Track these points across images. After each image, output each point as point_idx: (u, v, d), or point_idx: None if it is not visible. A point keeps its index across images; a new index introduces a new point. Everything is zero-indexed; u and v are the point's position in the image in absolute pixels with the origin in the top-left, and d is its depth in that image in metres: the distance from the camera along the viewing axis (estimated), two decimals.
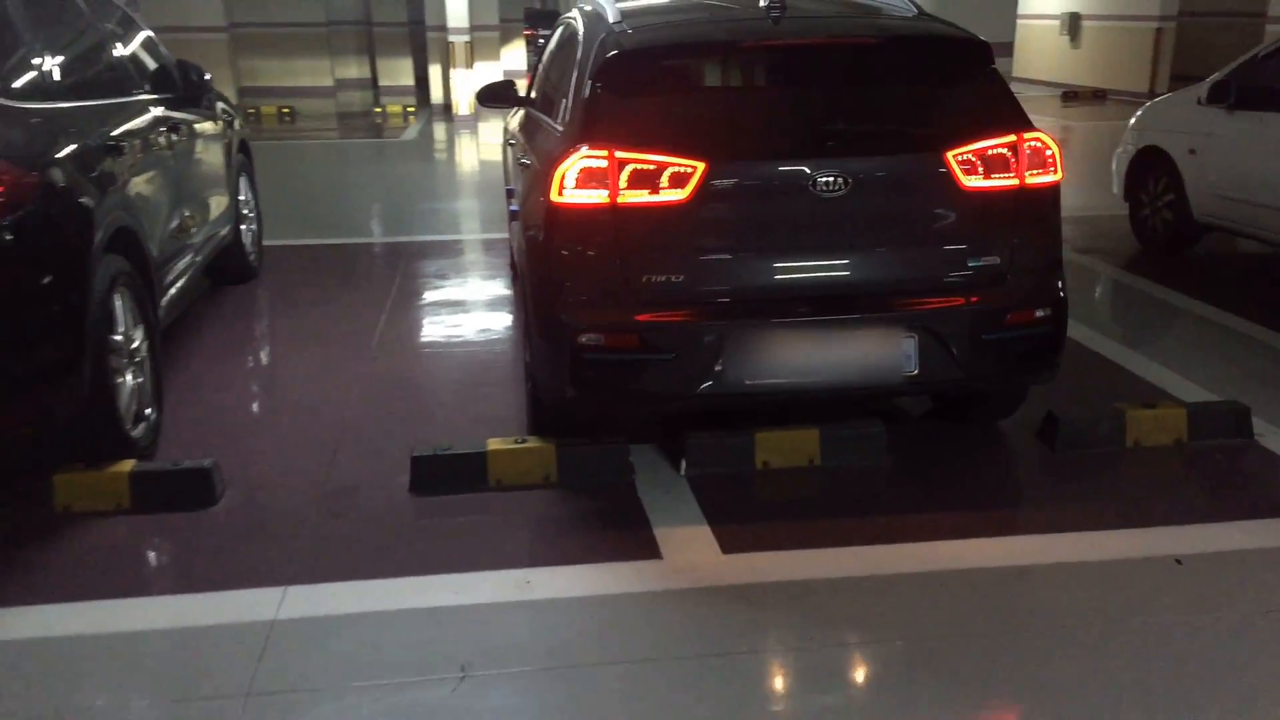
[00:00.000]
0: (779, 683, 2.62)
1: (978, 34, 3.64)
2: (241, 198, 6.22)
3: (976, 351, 3.38)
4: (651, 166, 3.18)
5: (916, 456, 3.87)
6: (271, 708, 2.47)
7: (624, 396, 3.37)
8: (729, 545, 3.22)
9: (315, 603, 2.92)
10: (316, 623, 2.82)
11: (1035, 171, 3.39)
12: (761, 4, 3.60)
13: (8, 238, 2.99)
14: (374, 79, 19.74)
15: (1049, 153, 3.41)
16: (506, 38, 18.67)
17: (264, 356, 5.31)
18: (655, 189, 3.19)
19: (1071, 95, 16.97)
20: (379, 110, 17.06)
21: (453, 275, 6.58)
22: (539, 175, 3.49)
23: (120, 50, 4.64)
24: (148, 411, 3.85)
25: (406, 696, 2.51)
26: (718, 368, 3.26)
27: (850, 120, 3.43)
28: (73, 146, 3.51)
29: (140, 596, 3.00)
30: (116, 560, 3.19)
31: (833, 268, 3.30)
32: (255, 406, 4.60)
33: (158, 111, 4.66)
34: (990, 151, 3.32)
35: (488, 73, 16.20)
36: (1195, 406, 3.95)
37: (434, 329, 5.49)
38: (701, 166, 3.17)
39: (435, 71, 17.13)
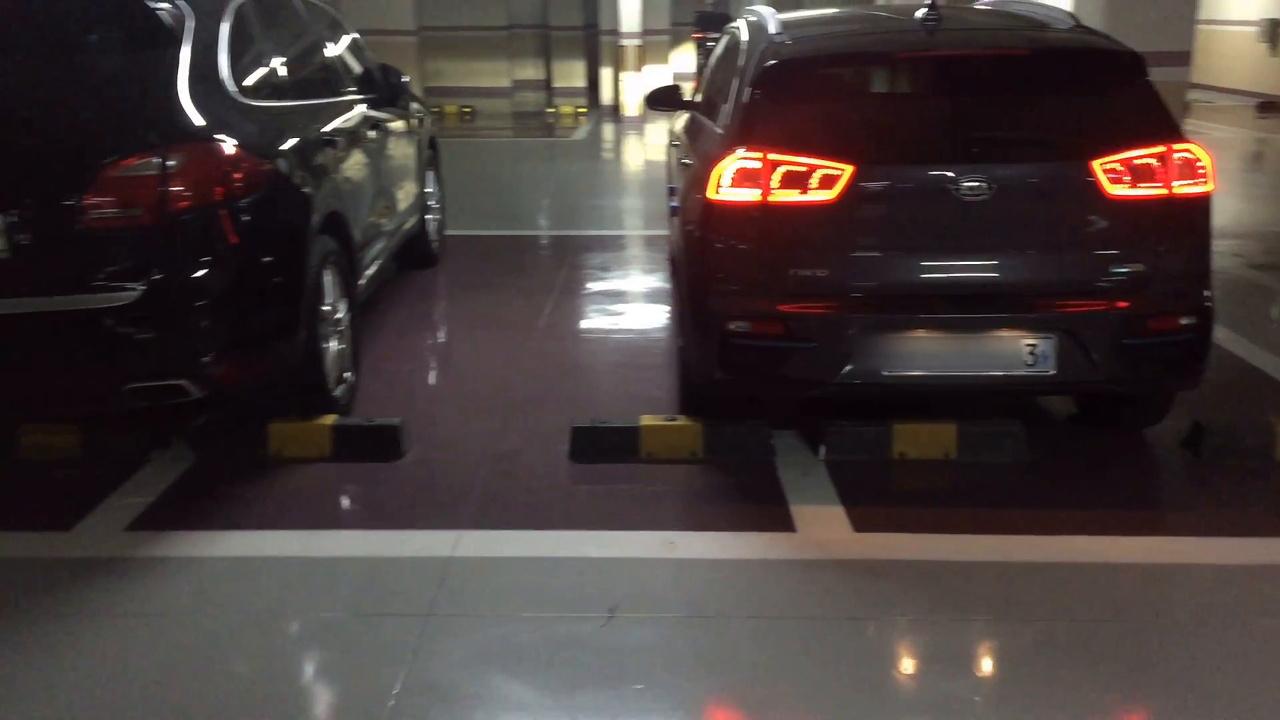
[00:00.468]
0: (901, 649, 2.83)
1: (1150, 42, 3.70)
2: (428, 190, 6.78)
3: (1116, 355, 3.48)
4: (803, 168, 3.43)
5: (1057, 458, 3.96)
6: (447, 627, 2.86)
7: (768, 380, 3.64)
8: (861, 525, 3.44)
9: (484, 546, 3.31)
10: (485, 562, 3.21)
11: (1185, 182, 3.46)
12: (918, 15, 3.80)
13: (245, 218, 3.51)
14: (548, 81, 20.52)
15: (1200, 164, 3.47)
16: (676, 41, 19.10)
17: (443, 334, 5.82)
18: (805, 189, 3.44)
19: (1269, 106, 16.06)
20: (551, 111, 17.77)
21: (615, 268, 6.96)
22: (698, 174, 3.80)
23: (331, 53, 5.21)
24: (347, 375, 4.36)
25: (561, 628, 2.86)
26: (857, 358, 3.48)
27: (996, 128, 3.58)
28: (296, 140, 4.04)
29: (336, 530, 3.47)
30: (317, 499, 3.69)
31: (973, 268, 3.47)
32: (435, 377, 5.09)
33: (363, 110, 5.21)
34: (1137, 161, 3.41)
35: (657, 76, 16.63)
36: None
37: (596, 315, 5.87)
38: (850, 169, 3.40)
39: (606, 74, 17.72)
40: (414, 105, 6.47)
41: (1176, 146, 3.45)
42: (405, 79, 5.89)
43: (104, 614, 2.94)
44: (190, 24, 3.61)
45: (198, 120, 3.43)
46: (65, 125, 3.36)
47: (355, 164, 4.81)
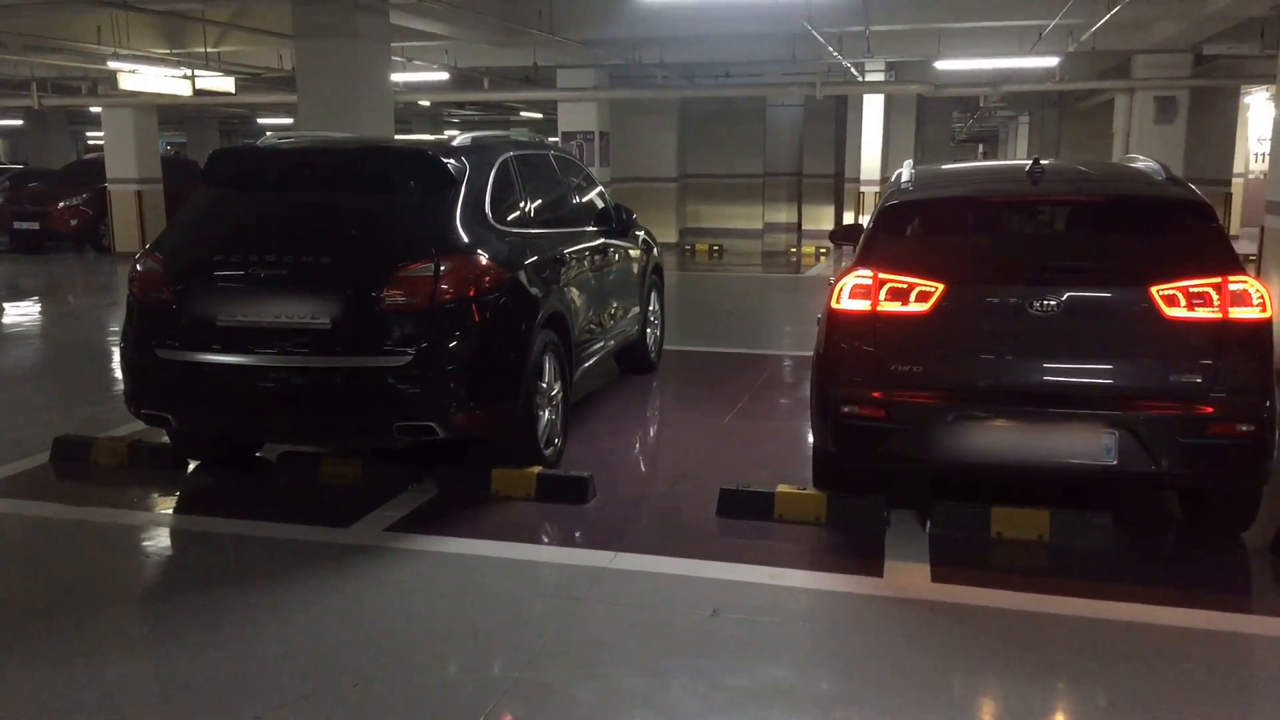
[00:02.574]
0: (924, 654, 3.55)
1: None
2: (651, 308, 8.06)
3: (1174, 452, 4.05)
4: (904, 285, 4.33)
5: (1145, 550, 4.48)
6: (590, 608, 3.88)
7: (870, 455, 4.46)
8: (940, 577, 4.16)
9: (632, 563, 4.31)
10: (630, 574, 4.21)
11: (1240, 308, 4.04)
12: (1026, 169, 4.63)
13: (488, 310, 4.83)
14: (799, 223, 21.94)
15: (1254, 294, 4.05)
16: None
17: (645, 421, 6.96)
18: (905, 301, 4.32)
19: None
20: (793, 250, 19.06)
21: (804, 379, 7.88)
22: (830, 290, 4.76)
23: (577, 197, 6.64)
24: (556, 440, 5.57)
25: (675, 617, 3.80)
26: (943, 441, 4.25)
27: (1068, 258, 4.32)
28: (532, 257, 5.38)
29: (528, 543, 4.59)
30: (520, 523, 4.84)
31: (1044, 371, 4.18)
32: (630, 449, 6.21)
33: (594, 239, 6.56)
34: (1193, 289, 4.05)
35: None
36: None
37: (771, 412, 6.82)
38: (941, 287, 4.26)
39: (849, 218, 18.86)
40: (642, 236, 7.82)
41: (1232, 278, 4.06)
42: (634, 216, 7.26)
43: (360, 579, 4.19)
44: (466, 174, 5.07)
45: (463, 240, 4.83)
46: (378, 240, 4.83)
47: (580, 278, 6.12)
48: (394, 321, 4.64)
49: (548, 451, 5.43)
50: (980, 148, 47.58)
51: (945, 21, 11.81)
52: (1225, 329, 4.06)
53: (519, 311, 5.11)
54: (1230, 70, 14.31)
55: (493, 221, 5.15)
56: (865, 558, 4.36)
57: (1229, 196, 15.20)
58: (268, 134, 5.57)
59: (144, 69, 13.66)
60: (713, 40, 13.65)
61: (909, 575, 4.18)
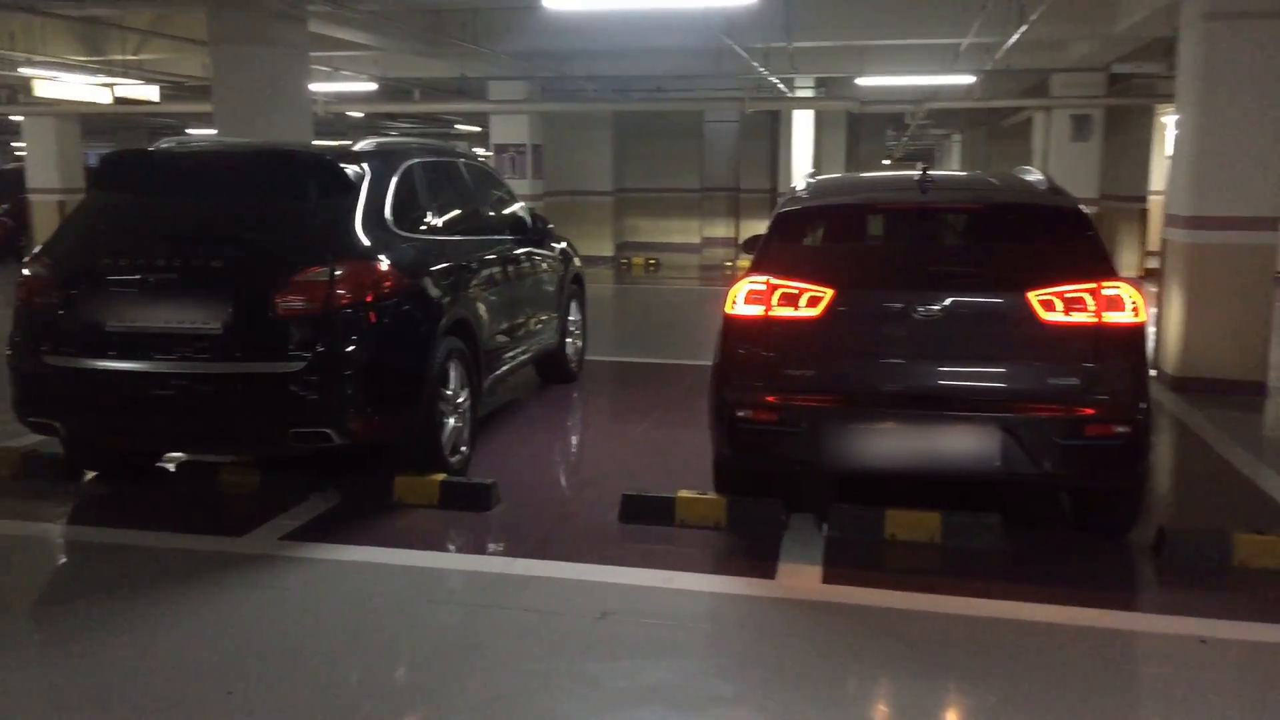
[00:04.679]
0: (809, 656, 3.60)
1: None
2: (572, 318, 8.06)
3: (1054, 453, 4.15)
4: (795, 290, 4.39)
5: (1034, 550, 4.57)
6: (483, 613, 3.87)
7: (765, 458, 4.52)
8: (831, 578, 4.21)
9: (527, 568, 4.30)
10: (524, 579, 4.20)
11: (1113, 312, 4.17)
12: (915, 177, 4.74)
13: (386, 315, 4.80)
14: (736, 237, 22.09)
15: (1128, 299, 4.18)
16: None
17: (559, 430, 6.95)
18: (797, 306, 4.39)
19: None
20: (728, 264, 19.21)
21: None
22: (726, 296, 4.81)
23: (490, 206, 6.62)
24: (463, 448, 5.54)
25: (563, 621, 3.80)
26: (832, 443, 4.32)
27: (950, 264, 4.43)
28: (438, 265, 5.36)
29: (430, 551, 4.55)
30: (423, 532, 4.79)
31: (929, 375, 4.27)
32: (541, 457, 6.18)
33: (508, 249, 6.54)
34: (1068, 294, 4.17)
35: None
36: None
37: (691, 421, 6.85)
38: (831, 292, 4.34)
39: None
40: (560, 247, 7.82)
41: (1105, 284, 4.19)
42: (550, 225, 7.27)
43: (249, 587, 4.13)
44: (366, 179, 5.04)
45: (361, 244, 4.80)
46: (272, 244, 4.78)
47: (490, 286, 6.10)
48: (287, 327, 4.59)
49: (454, 459, 5.40)
50: (921, 165, 48.32)
51: (866, 39, 12.03)
52: (1100, 333, 4.18)
53: (420, 318, 5.09)
54: (1143, 89, 14.75)
55: (394, 227, 5.12)
56: (759, 560, 4.40)
57: (1144, 213, 15.64)
58: (162, 140, 5.49)
59: (63, 76, 13.39)
60: (639, 54, 13.75)
61: (801, 577, 4.23)
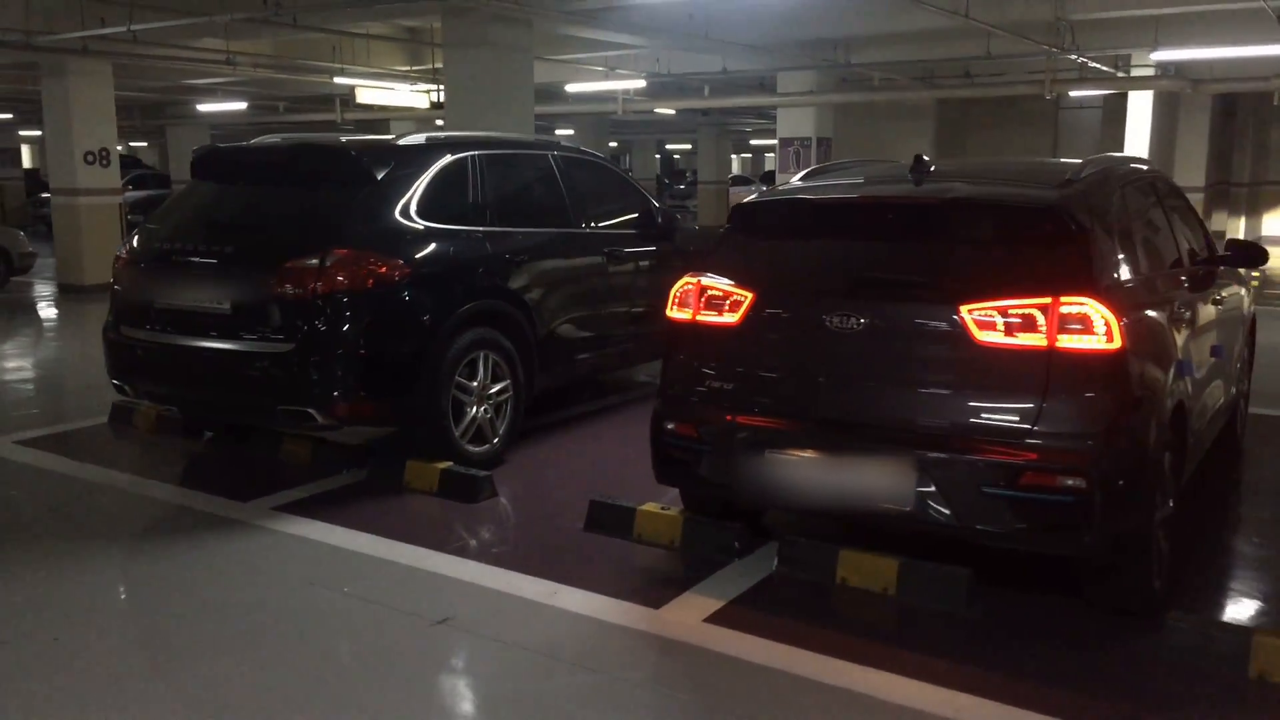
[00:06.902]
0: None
1: None
2: None
3: (972, 503, 3.35)
4: (720, 293, 3.92)
5: (1001, 622, 3.72)
6: (361, 595, 3.91)
7: (684, 477, 4.08)
8: (721, 619, 3.71)
9: (436, 564, 4.23)
10: (410, 570, 4.16)
11: (1072, 335, 3.27)
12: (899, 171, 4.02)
13: (380, 307, 4.97)
14: None
15: (1098, 319, 3.25)
16: None
17: (626, 434, 6.67)
18: (720, 311, 3.91)
19: None
20: None
21: None
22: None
23: (586, 204, 6.47)
24: (495, 439, 5.57)
25: (397, 620, 3.72)
26: (744, 469, 3.80)
27: (881, 271, 3.68)
28: (467, 255, 5.41)
29: (375, 536, 4.59)
30: (395, 517, 4.86)
31: (842, 398, 3.60)
32: (580, 458, 5.90)
33: (598, 243, 6.41)
34: (1012, 311, 3.32)
35: None
36: None
37: None
38: (750, 296, 3.81)
39: None
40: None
41: (1066, 299, 3.29)
42: (678, 219, 7.05)
43: (197, 546, 4.47)
44: (387, 172, 5.22)
45: (358, 234, 5.00)
46: (278, 232, 5.12)
47: (560, 279, 6.04)
48: (280, 309, 4.90)
49: (480, 449, 5.45)
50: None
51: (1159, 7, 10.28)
52: (1053, 360, 3.30)
53: (423, 306, 5.18)
54: None
55: (418, 218, 5.26)
56: (664, 588, 4.00)
57: None
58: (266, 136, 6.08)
59: (393, 85, 15.15)
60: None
61: (689, 611, 3.78)
